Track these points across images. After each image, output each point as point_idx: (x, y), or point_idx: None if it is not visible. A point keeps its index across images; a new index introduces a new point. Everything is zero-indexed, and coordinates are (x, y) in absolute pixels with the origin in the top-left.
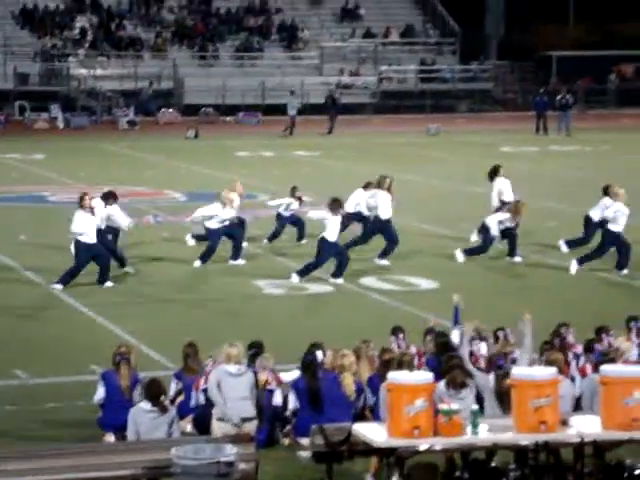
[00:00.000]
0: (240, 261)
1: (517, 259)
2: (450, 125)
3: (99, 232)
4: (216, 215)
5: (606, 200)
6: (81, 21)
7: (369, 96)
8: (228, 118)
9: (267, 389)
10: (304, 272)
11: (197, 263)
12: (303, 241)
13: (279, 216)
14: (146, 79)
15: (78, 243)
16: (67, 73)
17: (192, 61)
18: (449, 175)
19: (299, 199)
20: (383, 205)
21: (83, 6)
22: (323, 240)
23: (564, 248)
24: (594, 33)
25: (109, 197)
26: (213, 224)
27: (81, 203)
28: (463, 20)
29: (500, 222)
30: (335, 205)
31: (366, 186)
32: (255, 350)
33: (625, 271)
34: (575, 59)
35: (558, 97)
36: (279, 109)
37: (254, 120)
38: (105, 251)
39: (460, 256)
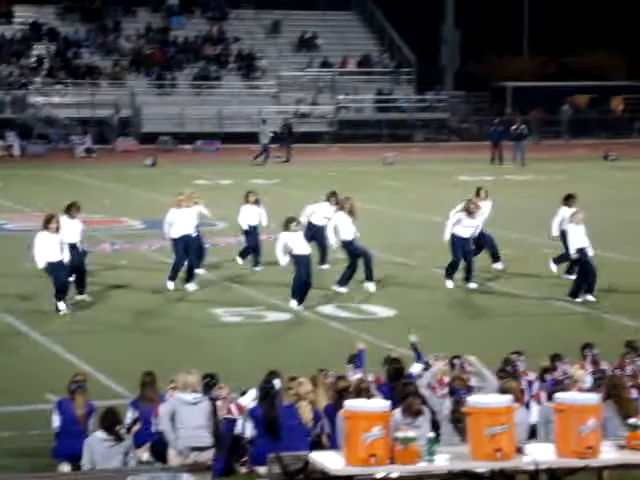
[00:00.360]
0: (192, 285)
1: (472, 285)
2: (406, 154)
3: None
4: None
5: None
6: (38, 49)
7: (326, 125)
8: (186, 146)
9: (226, 418)
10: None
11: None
12: (258, 268)
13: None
14: (104, 107)
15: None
16: (24, 101)
17: (150, 89)
18: (406, 204)
19: None
20: (343, 227)
21: (40, 34)
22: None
23: (553, 268)
24: (549, 64)
25: (71, 209)
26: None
27: (47, 225)
28: (419, 50)
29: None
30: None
31: (329, 198)
32: (209, 379)
33: (590, 297)
34: (529, 90)
35: (513, 127)
36: (237, 137)
37: (212, 148)
38: (64, 272)
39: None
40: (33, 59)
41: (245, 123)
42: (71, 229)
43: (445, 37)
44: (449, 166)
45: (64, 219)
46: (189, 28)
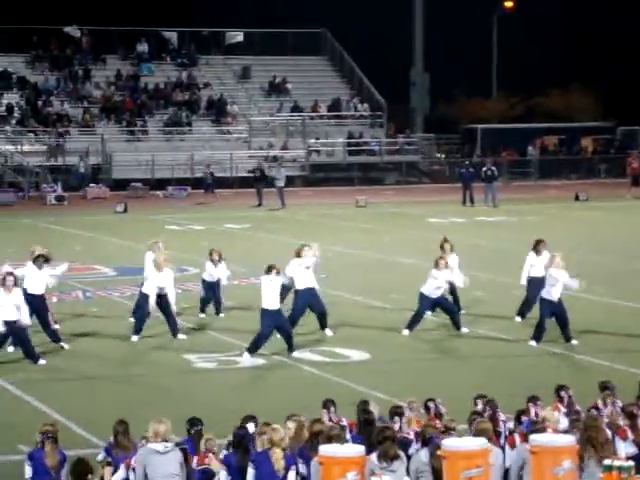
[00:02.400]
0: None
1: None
2: (378, 197)
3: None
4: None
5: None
6: (8, 98)
7: (298, 169)
8: (157, 192)
9: (200, 468)
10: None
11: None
12: (222, 314)
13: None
14: (74, 154)
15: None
16: None
17: (120, 136)
18: (378, 246)
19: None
20: (290, 274)
21: (10, 83)
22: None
23: (518, 319)
24: (518, 105)
25: (38, 260)
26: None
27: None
28: (389, 94)
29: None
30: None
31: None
32: (199, 427)
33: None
34: (499, 131)
35: (483, 169)
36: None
37: (183, 194)
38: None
39: None
40: (3, 107)
41: (216, 168)
42: (38, 279)
43: (414, 80)
44: (421, 208)
45: (32, 268)
46: (159, 74)
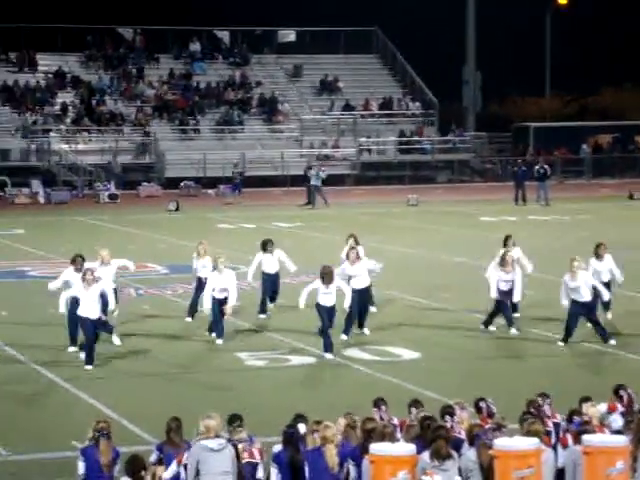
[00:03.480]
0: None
1: (513, 331)
2: (429, 195)
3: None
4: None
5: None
6: (62, 97)
7: (349, 168)
8: (209, 191)
9: (249, 462)
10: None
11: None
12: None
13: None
14: (128, 153)
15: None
16: (48, 148)
17: (173, 135)
18: (429, 245)
19: None
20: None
21: (64, 82)
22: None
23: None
24: (571, 104)
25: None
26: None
27: (84, 277)
28: (441, 92)
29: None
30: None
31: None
32: (239, 422)
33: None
34: (552, 130)
35: (536, 167)
36: (260, 181)
37: (234, 192)
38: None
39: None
40: (57, 107)
41: (267, 167)
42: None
43: (467, 78)
44: (472, 207)
45: (72, 272)
46: (211, 73)
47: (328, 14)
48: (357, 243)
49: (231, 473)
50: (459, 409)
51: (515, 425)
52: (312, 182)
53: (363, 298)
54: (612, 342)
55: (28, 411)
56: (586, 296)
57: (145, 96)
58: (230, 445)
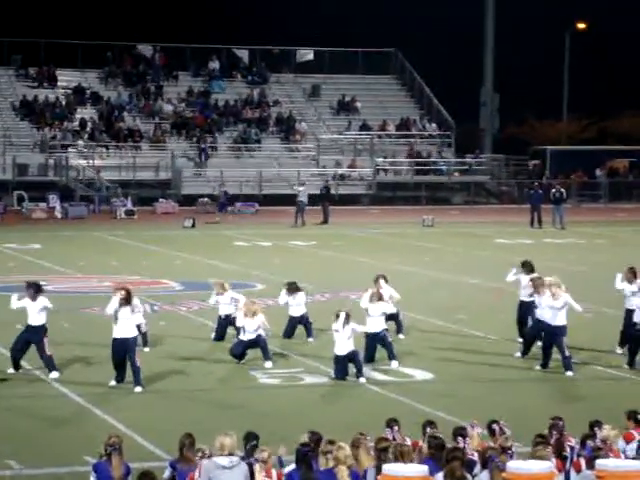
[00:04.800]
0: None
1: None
2: (445, 217)
3: None
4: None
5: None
6: (81, 113)
7: (365, 187)
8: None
9: None
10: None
11: None
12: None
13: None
14: (145, 170)
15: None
16: (66, 164)
17: (190, 152)
18: (444, 266)
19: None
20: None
21: (83, 98)
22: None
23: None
24: (588, 128)
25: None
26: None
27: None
28: (458, 114)
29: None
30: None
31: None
32: (255, 442)
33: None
34: (569, 153)
35: (552, 190)
36: (276, 199)
37: (251, 210)
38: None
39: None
40: (76, 122)
41: (284, 185)
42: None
43: (484, 100)
44: (488, 229)
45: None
46: (229, 92)
47: (347, 34)
48: (386, 282)
49: None
50: (470, 427)
51: (528, 448)
52: (299, 200)
53: (374, 343)
54: (569, 374)
55: (40, 425)
56: (561, 320)
57: (163, 113)
58: (243, 463)
